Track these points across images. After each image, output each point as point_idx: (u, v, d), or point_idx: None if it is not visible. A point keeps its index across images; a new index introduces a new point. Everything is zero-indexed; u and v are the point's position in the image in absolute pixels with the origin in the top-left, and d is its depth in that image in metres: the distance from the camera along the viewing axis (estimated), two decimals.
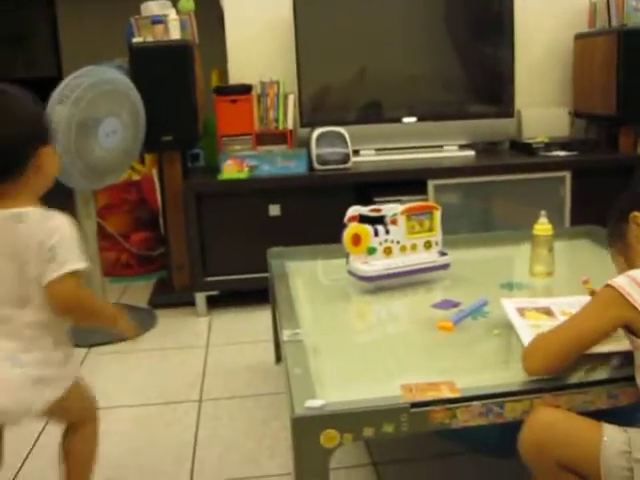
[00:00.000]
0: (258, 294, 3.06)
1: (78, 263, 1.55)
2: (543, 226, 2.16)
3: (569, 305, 1.82)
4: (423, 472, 2.09)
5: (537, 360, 1.49)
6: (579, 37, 4.07)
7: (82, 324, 1.84)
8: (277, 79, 3.63)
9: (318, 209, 3.25)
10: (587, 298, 1.86)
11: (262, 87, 3.61)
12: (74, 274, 1.54)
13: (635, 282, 1.40)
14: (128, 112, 3.11)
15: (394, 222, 2.18)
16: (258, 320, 3.17)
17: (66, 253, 1.54)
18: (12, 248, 1.53)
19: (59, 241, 1.53)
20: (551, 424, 1.42)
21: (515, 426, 1.44)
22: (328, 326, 1.96)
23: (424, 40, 3.86)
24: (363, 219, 2.20)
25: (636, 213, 1.56)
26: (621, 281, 1.42)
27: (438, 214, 2.23)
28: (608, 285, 1.44)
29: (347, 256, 2.17)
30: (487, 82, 3.90)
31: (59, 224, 1.56)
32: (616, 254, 1.68)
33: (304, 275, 2.42)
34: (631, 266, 1.55)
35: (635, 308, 1.38)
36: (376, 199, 3.21)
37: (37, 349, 1.56)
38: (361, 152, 3.68)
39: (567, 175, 3.51)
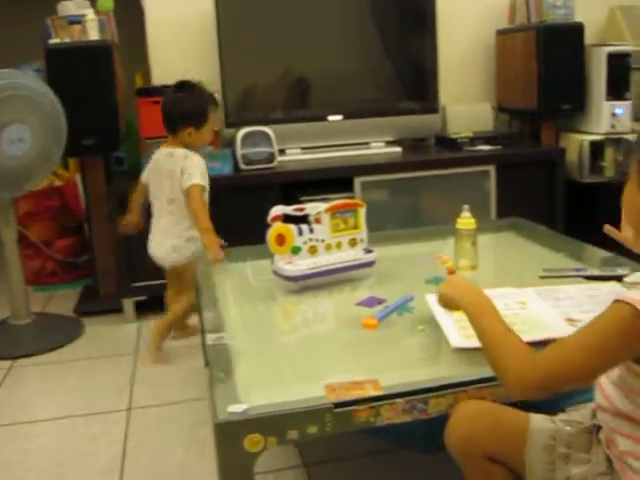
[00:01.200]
0: None
1: (199, 180, 2.81)
2: (466, 220, 2.17)
3: (491, 297, 1.84)
4: (354, 471, 2.08)
5: (528, 385, 1.23)
6: (500, 33, 4.14)
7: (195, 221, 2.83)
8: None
9: (245, 209, 3.21)
10: (510, 290, 1.89)
11: None
12: (196, 186, 2.81)
13: None
14: (38, 118, 3.01)
15: (318, 221, 2.16)
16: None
17: (193, 174, 2.81)
18: (169, 170, 2.86)
19: (190, 167, 2.82)
20: (477, 416, 1.41)
21: (442, 421, 1.43)
22: (254, 328, 1.92)
23: (349, 38, 3.86)
24: (287, 219, 2.17)
25: None
26: None
27: (363, 211, 2.22)
28: (628, 303, 1.13)
29: (272, 256, 2.15)
30: (412, 79, 3.93)
31: (192, 158, 2.85)
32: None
33: (230, 277, 2.39)
34: None
35: None
36: (303, 198, 3.19)
37: (181, 226, 2.88)
38: (287, 151, 3.66)
39: (491, 169, 3.56)
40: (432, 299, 1.83)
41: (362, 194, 3.37)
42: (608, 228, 1.66)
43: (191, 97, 2.89)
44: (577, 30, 3.83)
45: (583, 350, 1.17)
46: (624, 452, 1.24)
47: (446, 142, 3.85)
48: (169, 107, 2.91)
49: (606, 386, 1.29)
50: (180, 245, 2.87)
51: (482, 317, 1.37)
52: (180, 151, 2.86)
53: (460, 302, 1.44)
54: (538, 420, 1.39)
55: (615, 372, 1.24)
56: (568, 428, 1.38)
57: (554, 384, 1.21)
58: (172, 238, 2.88)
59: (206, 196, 2.87)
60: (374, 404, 1.40)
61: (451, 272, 1.59)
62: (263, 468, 2.05)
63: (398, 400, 1.41)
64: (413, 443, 1.85)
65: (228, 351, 1.68)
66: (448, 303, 1.52)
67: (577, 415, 1.42)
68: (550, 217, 3.63)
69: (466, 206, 2.21)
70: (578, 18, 3.94)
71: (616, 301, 1.16)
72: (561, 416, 1.43)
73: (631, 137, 3.79)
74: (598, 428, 1.35)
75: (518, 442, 1.37)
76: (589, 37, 4.09)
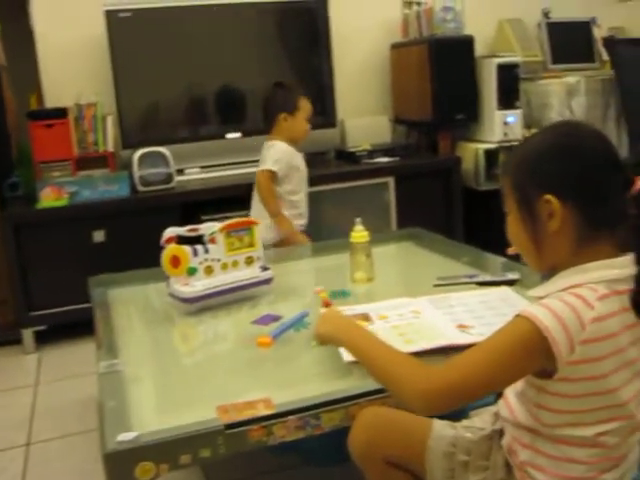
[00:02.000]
0: (88, 325, 2.92)
1: (268, 166, 3.08)
2: (359, 233, 2.19)
3: (386, 309, 1.86)
4: None
5: (430, 399, 1.20)
6: (394, 47, 4.22)
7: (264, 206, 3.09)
8: (94, 100, 3.51)
9: (144, 232, 3.13)
10: (404, 300, 1.92)
11: (78, 109, 3.48)
12: (263, 172, 3.09)
13: (559, 320, 1.12)
14: None
15: (213, 240, 2.14)
16: (90, 352, 3.02)
17: (265, 161, 3.11)
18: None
19: (267, 155, 3.14)
20: (377, 423, 1.41)
21: (343, 434, 1.43)
22: (150, 353, 1.89)
23: (245, 56, 3.85)
24: (181, 240, 2.15)
25: (549, 197, 1.20)
26: (542, 315, 1.13)
27: (258, 229, 2.21)
28: (530, 321, 1.13)
29: (167, 279, 2.12)
30: (309, 94, 3.92)
31: (275, 147, 3.15)
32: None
33: (127, 302, 2.33)
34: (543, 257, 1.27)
35: (553, 355, 1.12)
36: (204, 217, 3.17)
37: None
38: (187, 170, 3.63)
39: (390, 180, 3.62)
40: None
41: None
42: (511, 250, 1.68)
43: (280, 88, 3.24)
44: (467, 43, 3.95)
45: (485, 364, 1.16)
46: (524, 462, 1.25)
47: (345, 156, 3.89)
48: (264, 103, 3.29)
49: (510, 397, 1.30)
50: (269, 225, 3.06)
51: (364, 348, 1.35)
52: (270, 142, 3.18)
53: (338, 338, 1.44)
54: (440, 426, 1.40)
55: (519, 384, 1.25)
56: (469, 435, 1.39)
57: (457, 397, 1.19)
58: (263, 219, 2.89)
59: (287, 183, 3.15)
60: (266, 423, 1.39)
61: (326, 304, 1.56)
62: None
63: (290, 418, 1.40)
64: (316, 458, 1.85)
65: (121, 378, 1.64)
66: (326, 341, 1.50)
67: (479, 421, 1.43)
68: (449, 225, 3.71)
69: (358, 219, 2.23)
70: (468, 31, 4.07)
71: (517, 316, 1.17)
72: (464, 422, 1.44)
73: None
74: (500, 433, 1.36)
75: (419, 447, 1.38)
76: (480, 49, 4.22)
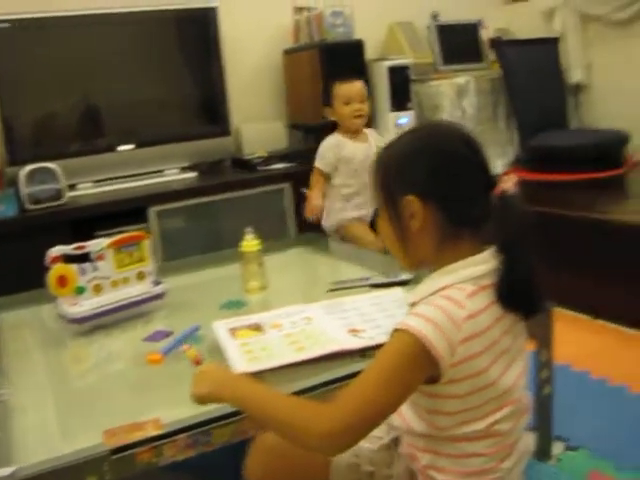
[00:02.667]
0: None
1: (316, 163, 3.21)
2: (250, 242, 2.17)
3: (279, 317, 1.85)
4: None
5: (333, 439, 1.15)
6: (286, 52, 4.22)
7: None
8: None
9: (34, 252, 3.03)
10: (296, 308, 1.90)
11: None
12: (315, 168, 3.22)
13: (436, 326, 1.13)
14: None
15: (101, 257, 2.08)
16: None
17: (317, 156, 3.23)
18: None
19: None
20: (278, 445, 1.35)
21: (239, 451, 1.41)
22: (39, 378, 1.80)
23: (135, 65, 3.78)
24: (68, 258, 2.08)
25: (410, 198, 1.22)
26: (423, 328, 1.13)
27: (147, 243, 2.16)
28: (409, 333, 1.14)
29: (55, 299, 2.04)
30: (202, 103, 3.92)
31: (322, 143, 3.26)
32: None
33: (18, 325, 2.23)
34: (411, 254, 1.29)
35: (436, 362, 1.14)
36: (99, 233, 3.08)
37: None
38: (79, 185, 3.53)
39: (287, 186, 3.61)
40: (218, 326, 1.82)
41: (158, 223, 3.31)
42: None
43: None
44: (357, 46, 4.00)
45: (377, 389, 1.14)
46: (426, 466, 1.26)
47: (241, 163, 3.87)
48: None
49: (402, 407, 1.27)
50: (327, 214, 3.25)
51: (251, 402, 1.27)
52: None
53: (219, 397, 1.32)
54: None
55: None
56: (369, 445, 1.39)
57: (360, 428, 1.15)
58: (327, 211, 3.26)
59: (336, 177, 3.21)
60: (156, 443, 1.35)
61: (197, 362, 1.50)
62: None
63: (180, 436, 1.37)
64: (212, 475, 1.81)
65: (6, 408, 1.57)
66: (206, 401, 1.36)
67: (377, 431, 1.40)
68: None
69: (248, 228, 2.21)
70: (359, 35, 4.11)
71: (395, 330, 1.17)
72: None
73: None
74: (396, 441, 1.37)
75: (321, 466, 1.36)
76: (371, 53, 4.28)
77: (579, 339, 2.75)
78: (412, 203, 1.21)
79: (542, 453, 2.05)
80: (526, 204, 1.23)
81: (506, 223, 1.19)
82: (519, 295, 1.20)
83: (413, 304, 1.21)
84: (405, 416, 1.29)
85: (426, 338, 1.12)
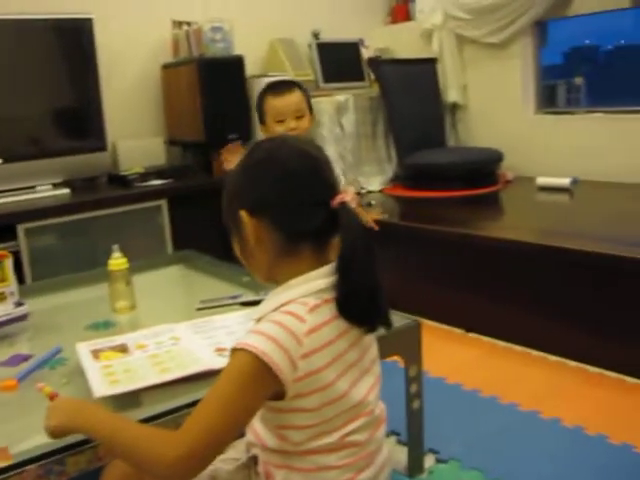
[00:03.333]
0: None
1: None
2: (117, 261, 2.10)
3: (145, 337, 1.80)
4: None
5: (178, 467, 1.11)
6: (165, 67, 4.16)
7: None
8: None
9: None
10: (164, 327, 1.86)
11: None
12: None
13: (275, 342, 1.12)
14: None
15: None
16: None
17: None
18: None
19: None
20: (129, 473, 1.32)
21: None
22: None
23: (7, 77, 3.61)
24: None
25: (243, 213, 1.22)
26: (258, 344, 1.12)
27: (9, 262, 2.06)
28: (248, 351, 1.12)
29: None
30: (77, 117, 3.79)
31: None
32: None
33: None
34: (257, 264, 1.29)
35: (278, 378, 1.12)
36: None
37: None
38: None
39: (163, 203, 3.55)
40: (81, 347, 1.75)
41: (28, 241, 3.17)
42: None
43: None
44: (237, 62, 3.98)
45: (220, 410, 1.12)
46: None
47: (117, 179, 3.77)
48: None
49: (256, 424, 1.28)
50: None
51: (102, 427, 1.21)
52: None
53: (73, 427, 1.26)
54: None
55: (261, 411, 1.23)
56: (226, 467, 1.36)
57: (206, 452, 1.12)
58: None
59: None
60: (3, 476, 1.28)
61: (52, 397, 1.44)
62: None
63: (30, 467, 1.30)
64: None
65: None
66: (60, 434, 1.28)
67: (233, 452, 1.40)
68: (226, 246, 3.67)
69: (115, 246, 2.14)
70: (239, 51, 4.09)
71: (234, 350, 1.14)
72: (219, 456, 1.40)
73: None
74: (255, 460, 1.34)
75: None
76: (252, 69, 4.27)
77: (452, 353, 2.81)
78: (243, 218, 1.21)
79: (414, 467, 2.07)
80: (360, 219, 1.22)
81: (344, 236, 1.19)
82: (358, 308, 1.20)
83: (258, 320, 1.20)
84: (259, 432, 1.28)
85: (265, 355, 1.11)
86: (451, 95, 4.80)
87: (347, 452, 1.22)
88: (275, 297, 1.22)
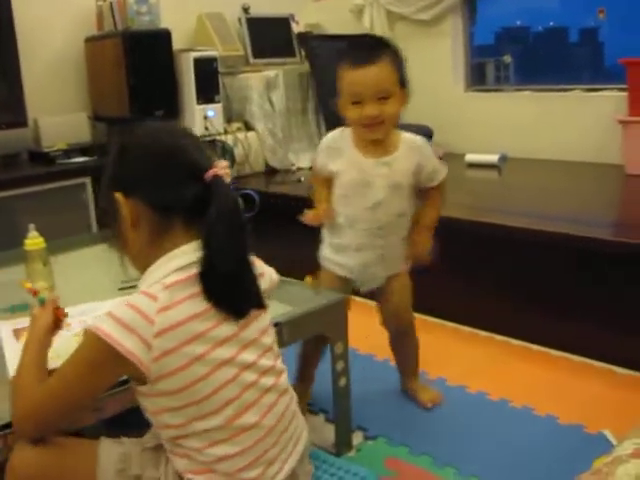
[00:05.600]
0: None
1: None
2: (34, 240, 2.04)
3: (70, 316, 1.73)
4: None
5: (20, 419, 1.25)
6: (89, 40, 4.04)
7: None
8: None
9: None
10: (90, 305, 1.81)
11: None
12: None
13: (122, 324, 1.14)
14: None
15: None
16: None
17: None
18: None
19: None
20: (36, 463, 1.26)
21: None
22: None
23: None
24: None
25: (117, 195, 1.24)
26: (105, 327, 1.14)
27: None
28: (91, 333, 1.16)
29: None
30: None
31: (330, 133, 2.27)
32: None
33: None
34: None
35: (128, 359, 1.14)
36: None
37: None
38: None
39: (87, 180, 3.45)
40: (2, 326, 1.70)
41: None
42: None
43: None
44: (164, 36, 3.88)
45: (62, 382, 1.21)
46: (185, 471, 1.24)
47: (39, 156, 3.65)
48: None
49: (149, 418, 1.28)
50: None
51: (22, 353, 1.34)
52: None
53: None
54: (107, 445, 1.33)
55: (146, 406, 1.25)
56: (138, 448, 1.34)
57: (46, 418, 1.23)
58: None
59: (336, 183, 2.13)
60: None
61: (35, 293, 1.50)
62: None
63: None
64: None
65: None
66: None
67: (148, 436, 1.37)
68: None
69: (32, 225, 2.07)
70: (166, 24, 3.99)
71: (85, 331, 1.18)
72: (132, 439, 1.38)
73: (225, 138, 3.95)
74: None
75: (87, 473, 1.28)
76: (180, 43, 4.17)
77: (378, 330, 2.80)
78: (119, 200, 1.23)
79: (342, 444, 2.07)
80: (235, 192, 1.26)
81: (212, 208, 1.21)
82: (218, 285, 1.20)
83: None
84: (155, 423, 1.26)
85: (109, 337, 1.13)
86: None
87: (241, 437, 1.22)
88: (145, 279, 1.24)
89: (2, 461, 1.28)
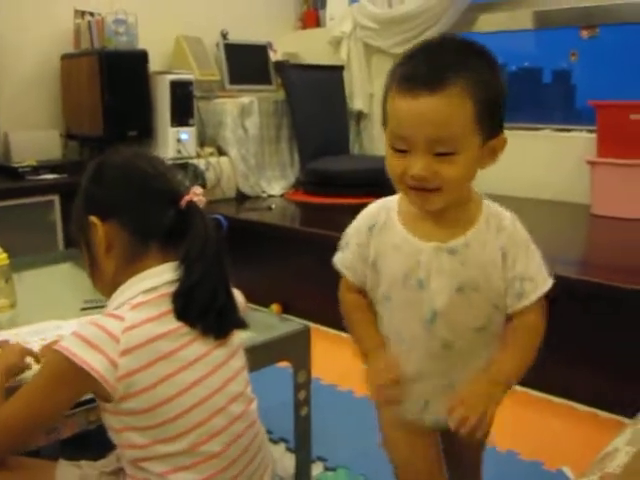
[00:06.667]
0: None
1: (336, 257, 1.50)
2: None
3: (29, 334, 1.72)
4: None
5: None
6: (65, 57, 4.03)
7: None
8: None
9: None
10: (50, 324, 1.78)
11: None
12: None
13: (87, 342, 1.13)
14: None
15: None
16: None
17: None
18: None
19: None
20: None
21: None
22: None
23: None
24: None
25: (93, 218, 1.24)
26: (71, 346, 1.13)
27: None
28: (57, 351, 1.15)
29: None
30: None
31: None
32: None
33: None
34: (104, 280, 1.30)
35: (93, 377, 1.13)
36: None
37: None
38: None
39: (56, 198, 3.43)
40: None
41: None
42: None
43: None
44: (140, 57, 3.88)
45: (26, 402, 1.18)
46: None
47: (7, 171, 3.62)
48: None
49: (113, 436, 1.25)
50: None
51: None
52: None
53: None
54: (64, 468, 1.31)
55: (108, 422, 1.23)
56: (95, 472, 1.32)
57: (6, 438, 1.19)
58: None
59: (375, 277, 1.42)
60: None
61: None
62: None
63: None
64: None
65: None
66: None
67: (106, 460, 1.36)
68: None
69: None
70: (144, 45, 3.99)
71: (52, 350, 1.18)
72: (89, 462, 1.36)
73: (197, 162, 3.94)
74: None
75: None
76: (157, 65, 4.18)
77: (343, 358, 2.80)
78: (95, 223, 1.23)
79: (301, 474, 2.04)
80: (209, 217, 1.27)
81: (188, 233, 1.23)
82: (192, 307, 1.20)
83: None
84: (118, 442, 1.24)
85: (75, 356, 1.12)
86: (357, 103, 4.83)
87: (204, 466, 1.20)
88: (114, 298, 1.23)
89: None
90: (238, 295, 1.39)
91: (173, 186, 1.27)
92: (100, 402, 1.21)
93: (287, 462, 2.13)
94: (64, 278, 2.45)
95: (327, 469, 2.16)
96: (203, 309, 1.21)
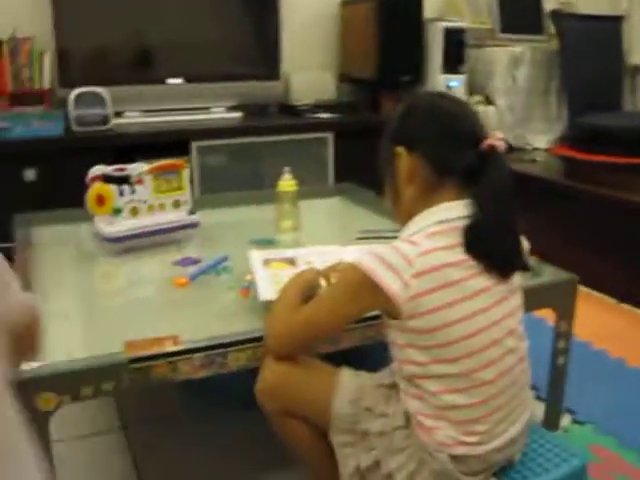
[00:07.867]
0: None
1: None
2: (287, 182, 2.20)
3: (313, 255, 1.84)
4: (172, 432, 2.08)
5: (274, 338, 1.41)
6: (345, 3, 4.18)
7: None
8: (31, 35, 3.40)
9: (76, 172, 3.09)
10: (331, 248, 1.91)
11: (14, 43, 3.37)
12: None
13: (384, 263, 1.23)
14: None
15: (140, 181, 2.12)
16: None
17: None
18: None
19: None
20: (284, 372, 1.42)
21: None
22: (68, 291, 1.86)
23: (191, 2, 3.77)
24: (107, 179, 2.12)
25: (399, 149, 1.33)
26: (369, 263, 1.24)
27: (186, 172, 2.20)
28: (356, 267, 1.26)
29: (92, 218, 2.10)
30: (254, 46, 3.91)
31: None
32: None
33: (51, 241, 2.29)
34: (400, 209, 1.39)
35: (387, 295, 1.22)
36: (139, 161, 3.12)
37: None
38: (126, 113, 3.56)
39: (330, 136, 3.63)
40: (254, 254, 1.83)
41: (199, 158, 3.35)
42: None
43: None
44: (415, 4, 3.93)
45: (322, 307, 1.36)
46: (416, 412, 1.30)
47: (287, 109, 3.88)
48: None
49: (395, 351, 1.35)
50: None
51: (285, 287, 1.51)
52: None
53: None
54: (347, 374, 1.44)
55: (392, 337, 1.32)
56: (373, 382, 1.43)
57: (300, 335, 1.39)
58: None
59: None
60: (172, 359, 1.40)
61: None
62: (84, 431, 2.04)
63: (196, 355, 1.42)
64: (235, 401, 1.85)
65: None
66: None
67: (384, 373, 1.46)
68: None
69: (287, 168, 2.23)
70: None
71: (351, 264, 1.30)
72: (369, 373, 1.47)
73: None
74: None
75: (323, 398, 1.40)
76: (430, 12, 4.21)
77: (602, 320, 2.75)
78: (401, 153, 1.32)
79: (549, 422, 2.06)
80: (507, 163, 1.31)
81: (485, 175, 1.28)
82: (482, 241, 1.26)
83: None
84: (399, 357, 1.33)
85: (373, 272, 1.23)
86: (635, 57, 4.56)
87: (476, 391, 1.26)
88: (408, 227, 1.32)
89: (254, 368, 1.44)
90: (523, 240, 1.43)
91: (476, 129, 1.33)
92: (386, 319, 1.31)
93: (535, 409, 2.15)
94: (337, 210, 2.63)
95: (575, 422, 2.16)
96: (491, 247, 1.27)
